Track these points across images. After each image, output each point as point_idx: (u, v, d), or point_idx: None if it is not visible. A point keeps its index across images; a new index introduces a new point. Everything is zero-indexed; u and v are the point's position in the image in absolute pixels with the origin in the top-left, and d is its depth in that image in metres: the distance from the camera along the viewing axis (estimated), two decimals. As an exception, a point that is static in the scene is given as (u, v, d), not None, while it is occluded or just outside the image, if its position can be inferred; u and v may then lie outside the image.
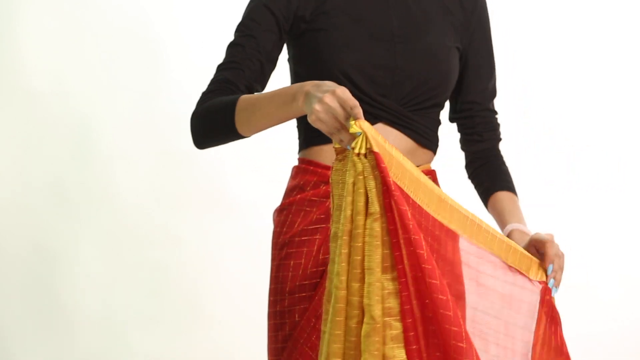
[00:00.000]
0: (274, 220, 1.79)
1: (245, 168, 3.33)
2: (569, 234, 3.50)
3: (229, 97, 1.63)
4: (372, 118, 1.69)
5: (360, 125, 1.38)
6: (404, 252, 1.38)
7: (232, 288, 3.43)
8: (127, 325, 3.42)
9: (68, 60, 3.36)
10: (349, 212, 1.39)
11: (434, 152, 1.81)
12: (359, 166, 1.39)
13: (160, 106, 3.39)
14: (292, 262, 1.70)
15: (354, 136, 1.39)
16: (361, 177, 1.39)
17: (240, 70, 1.69)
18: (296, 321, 1.68)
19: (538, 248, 1.68)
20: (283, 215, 1.75)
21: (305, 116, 1.75)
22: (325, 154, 1.73)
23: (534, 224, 3.36)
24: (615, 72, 3.59)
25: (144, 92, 3.39)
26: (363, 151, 1.38)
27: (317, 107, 1.40)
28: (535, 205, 3.40)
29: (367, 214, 1.39)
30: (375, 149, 1.38)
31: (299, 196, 1.73)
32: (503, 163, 1.88)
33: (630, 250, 3.59)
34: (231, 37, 1.76)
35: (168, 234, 3.41)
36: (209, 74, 3.20)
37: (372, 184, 1.38)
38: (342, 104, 1.39)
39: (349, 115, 1.39)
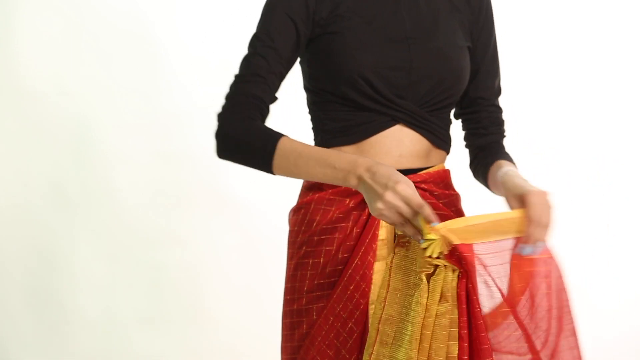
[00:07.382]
0: (289, 220, 1.79)
1: (246, 168, 3.32)
2: (566, 239, 3.54)
3: (268, 134, 1.61)
4: (390, 120, 1.71)
5: (436, 230, 1.42)
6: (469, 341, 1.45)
7: (233, 288, 3.43)
8: (128, 325, 3.41)
9: (67, 61, 3.36)
10: (424, 301, 1.44)
11: (448, 152, 1.82)
12: (434, 267, 1.44)
13: (160, 106, 3.38)
14: (311, 261, 1.70)
15: (418, 230, 1.43)
16: (439, 275, 1.44)
17: (266, 86, 1.68)
18: (314, 319, 1.69)
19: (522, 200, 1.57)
20: (300, 214, 1.76)
21: (322, 117, 1.76)
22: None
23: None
24: (592, 73, 3.58)
25: (143, 93, 3.38)
26: (435, 255, 1.43)
27: (381, 205, 1.44)
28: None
29: (438, 304, 1.45)
30: (456, 242, 1.42)
31: (317, 195, 1.73)
32: (507, 154, 1.84)
33: (626, 257, 3.61)
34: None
35: (168, 235, 3.40)
36: (208, 73, 3.21)
37: (449, 276, 1.44)
38: (408, 203, 1.42)
39: (417, 213, 1.43)
